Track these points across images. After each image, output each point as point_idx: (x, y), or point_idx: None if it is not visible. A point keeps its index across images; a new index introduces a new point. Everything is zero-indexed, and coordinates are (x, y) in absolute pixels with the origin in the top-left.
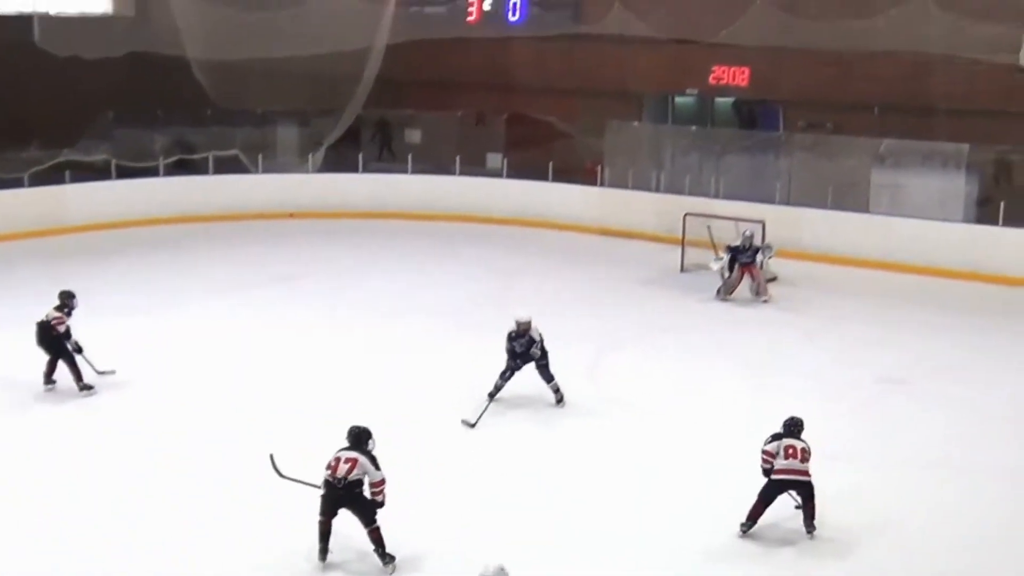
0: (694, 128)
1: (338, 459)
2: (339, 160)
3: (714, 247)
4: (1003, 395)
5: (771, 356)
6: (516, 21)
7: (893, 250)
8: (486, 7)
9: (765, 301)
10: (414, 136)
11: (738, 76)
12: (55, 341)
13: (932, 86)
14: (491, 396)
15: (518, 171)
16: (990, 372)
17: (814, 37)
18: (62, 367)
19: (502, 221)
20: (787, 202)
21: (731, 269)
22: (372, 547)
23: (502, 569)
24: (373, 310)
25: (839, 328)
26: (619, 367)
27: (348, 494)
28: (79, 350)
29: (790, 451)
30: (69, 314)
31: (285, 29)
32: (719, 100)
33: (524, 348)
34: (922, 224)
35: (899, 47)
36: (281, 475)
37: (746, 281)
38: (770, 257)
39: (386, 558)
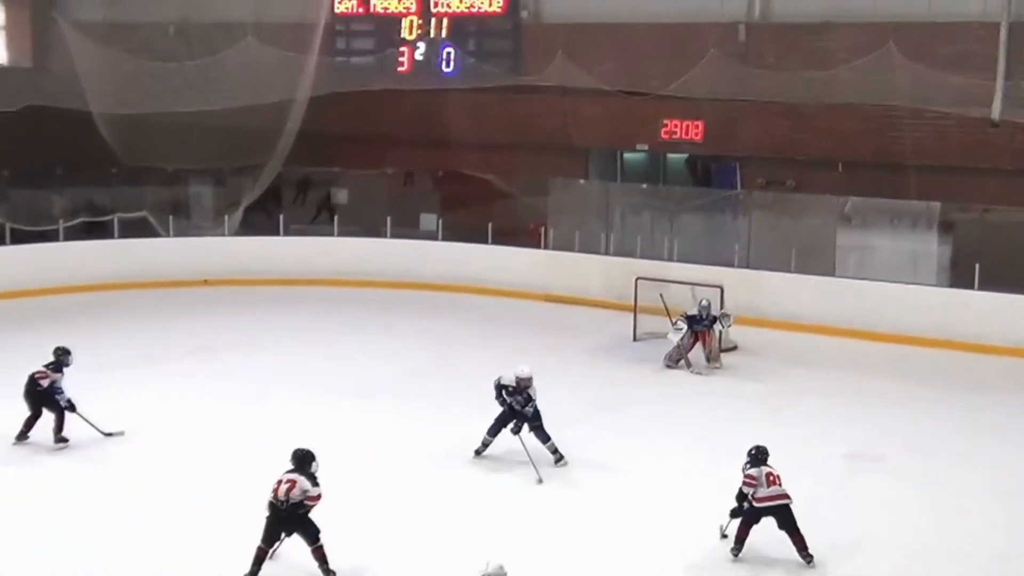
0: (645, 186)
1: (279, 481)
2: (258, 222)
3: (668, 315)
4: (983, 471)
5: (733, 431)
6: (450, 72)
7: (861, 316)
8: (418, 57)
9: (716, 368)
10: (341, 195)
11: (691, 130)
12: (38, 396)
13: (900, 141)
14: (478, 453)
15: (455, 233)
16: (967, 446)
17: (772, 88)
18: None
19: (438, 287)
20: (747, 265)
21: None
22: (317, 564)
23: (501, 567)
24: (299, 387)
25: (805, 401)
26: (573, 442)
27: (290, 515)
28: (71, 408)
29: (771, 478)
30: (58, 370)
31: (198, 80)
32: (671, 156)
33: (521, 405)
34: (892, 288)
35: (863, 99)
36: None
37: (698, 347)
38: (728, 326)
39: (329, 574)
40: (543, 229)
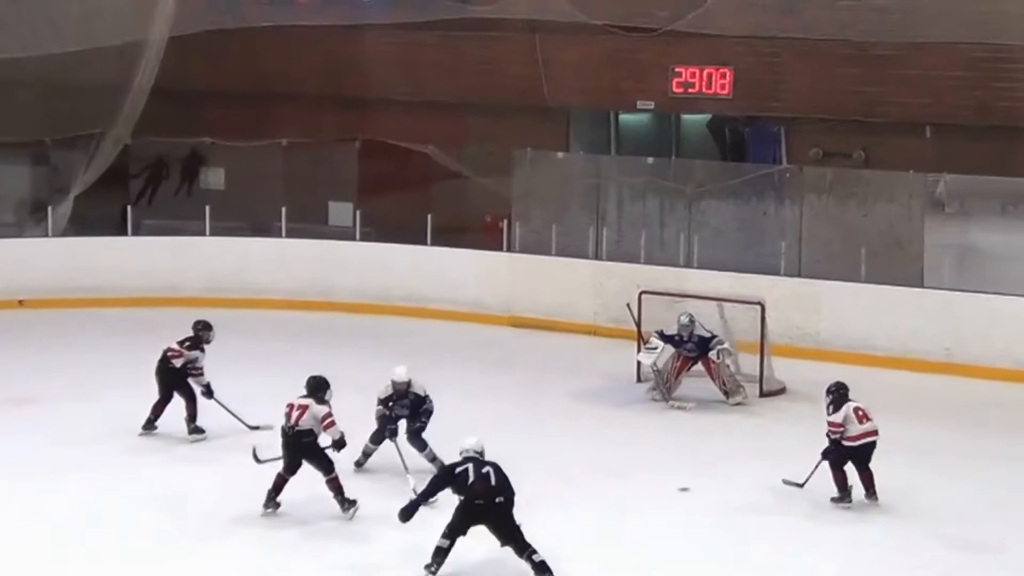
0: (651, 160)
1: (291, 406)
2: (96, 217)
3: (639, 332)
4: None
5: (779, 530)
6: (372, 2)
7: (963, 344)
8: None
9: (740, 402)
10: (214, 177)
11: (715, 81)
12: (169, 377)
13: (1012, 95)
14: (359, 464)
15: (379, 229)
16: None
17: (830, 21)
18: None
19: (354, 308)
20: (797, 272)
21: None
22: (332, 496)
23: (478, 441)
24: (152, 453)
25: (884, 468)
26: (546, 534)
27: (298, 443)
28: (208, 393)
29: (860, 413)
30: (196, 347)
31: (6, 16)
32: (687, 119)
33: (412, 408)
34: (1005, 303)
35: (961, 37)
36: (259, 460)
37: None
38: (727, 358)
39: (346, 504)
40: (505, 223)
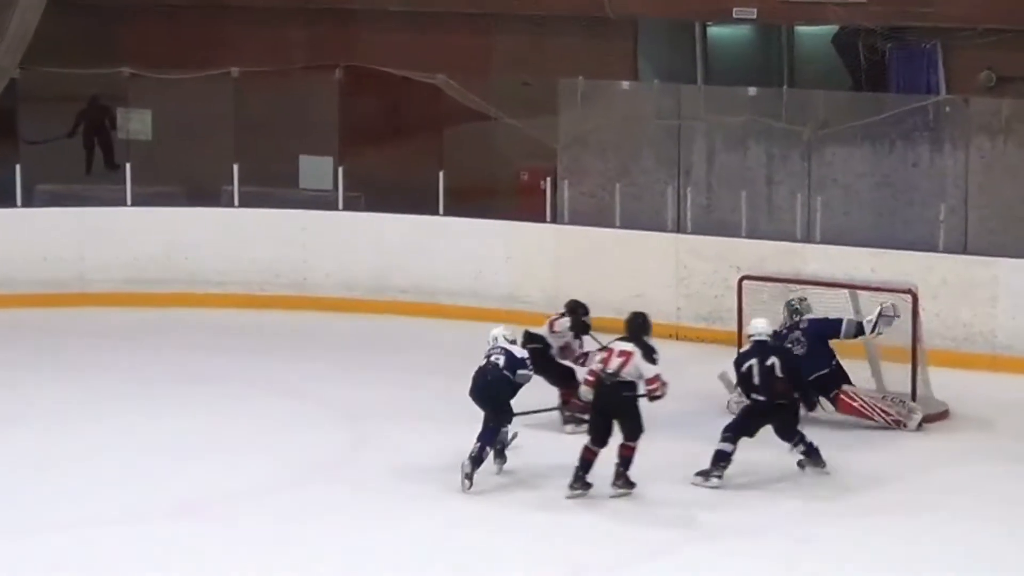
0: (753, 91)
1: (611, 350)
2: None
3: (740, 336)
4: None
5: None
6: None
7: None
8: None
9: (920, 427)
10: (138, 124)
11: None
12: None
13: None
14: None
15: (371, 193)
16: None
17: None
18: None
19: (337, 305)
20: (963, 248)
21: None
22: (616, 462)
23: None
24: (66, 510)
25: None
26: None
27: (615, 396)
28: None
29: None
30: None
31: None
32: (803, 31)
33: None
34: None
35: None
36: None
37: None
38: (879, 332)
39: (627, 482)
40: (548, 182)
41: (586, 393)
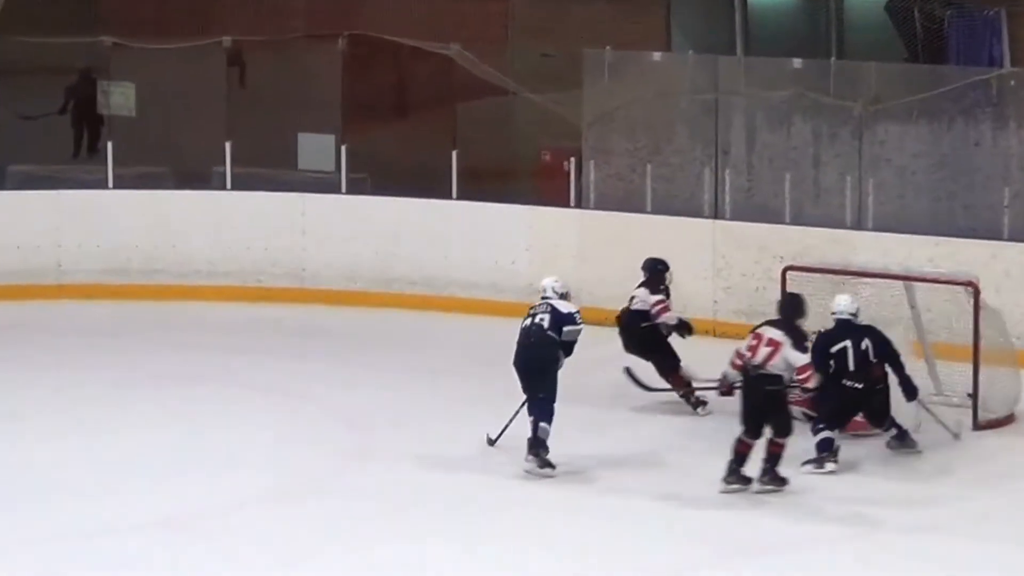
0: (798, 63)
1: (759, 337)
2: None
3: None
4: None
5: None
6: None
7: None
8: None
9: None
10: (120, 98)
11: None
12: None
13: None
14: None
15: (378, 176)
16: None
17: None
18: None
19: (340, 298)
20: None
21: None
22: (763, 461)
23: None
24: (35, 525)
25: None
26: None
27: (759, 391)
28: (683, 328)
29: None
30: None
31: None
32: None
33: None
34: None
35: None
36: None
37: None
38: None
39: (774, 479)
40: (572, 163)
41: (733, 376)
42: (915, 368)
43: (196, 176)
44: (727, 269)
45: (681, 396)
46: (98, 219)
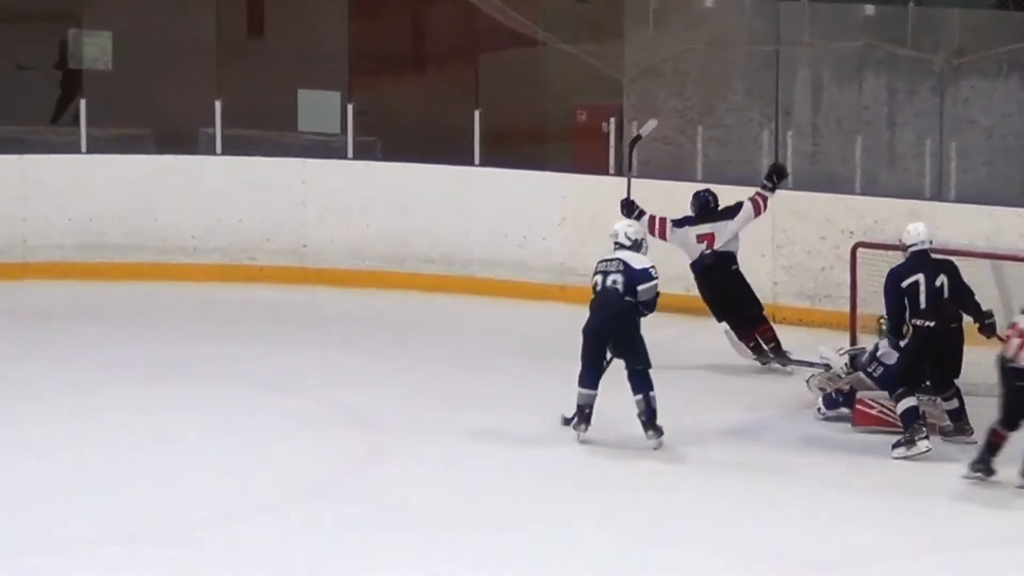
0: (871, 8)
1: (1015, 327)
2: None
3: (853, 314)
4: None
5: None
6: None
7: None
8: None
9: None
10: (94, 49)
11: None
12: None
13: None
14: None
15: (390, 139)
16: None
17: None
18: None
19: (347, 278)
20: None
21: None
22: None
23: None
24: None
25: None
26: None
27: (1011, 385)
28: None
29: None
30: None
31: None
32: None
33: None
34: None
35: None
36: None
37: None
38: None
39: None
40: (612, 123)
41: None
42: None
43: (181, 139)
44: (788, 245)
45: (766, 353)
46: (69, 188)
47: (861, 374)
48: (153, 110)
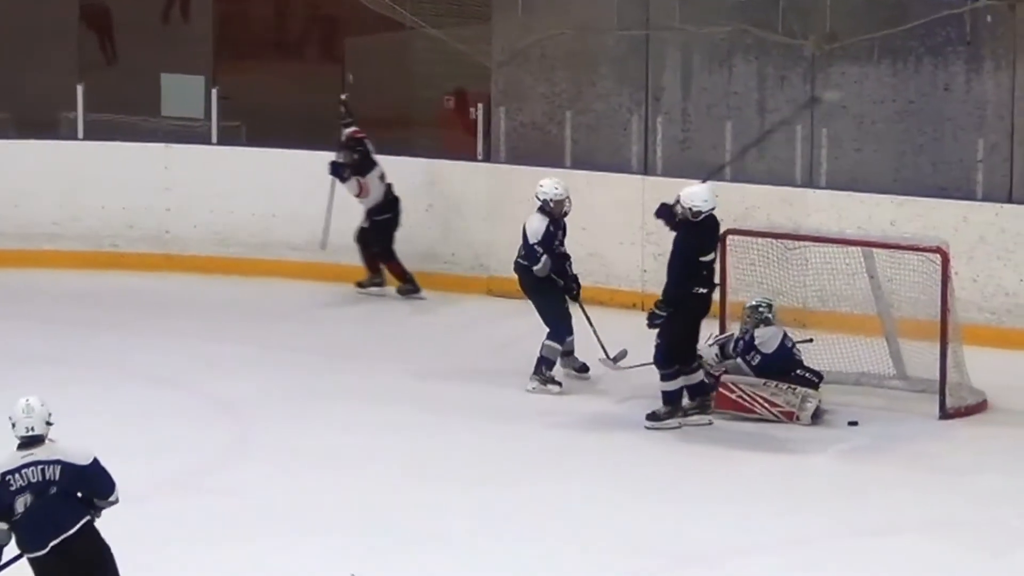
0: None
1: None
2: None
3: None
4: None
5: None
6: None
7: None
8: None
9: (815, 419)
10: None
11: None
12: None
13: None
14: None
15: (255, 124)
16: None
17: None
18: None
19: (211, 265)
20: (1007, 195)
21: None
22: None
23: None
24: None
25: None
26: None
27: None
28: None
29: None
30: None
31: None
32: None
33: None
34: None
35: None
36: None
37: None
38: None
39: None
40: (480, 109)
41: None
42: (876, 347)
43: (42, 123)
44: (658, 233)
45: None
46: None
47: (740, 362)
48: (13, 94)
